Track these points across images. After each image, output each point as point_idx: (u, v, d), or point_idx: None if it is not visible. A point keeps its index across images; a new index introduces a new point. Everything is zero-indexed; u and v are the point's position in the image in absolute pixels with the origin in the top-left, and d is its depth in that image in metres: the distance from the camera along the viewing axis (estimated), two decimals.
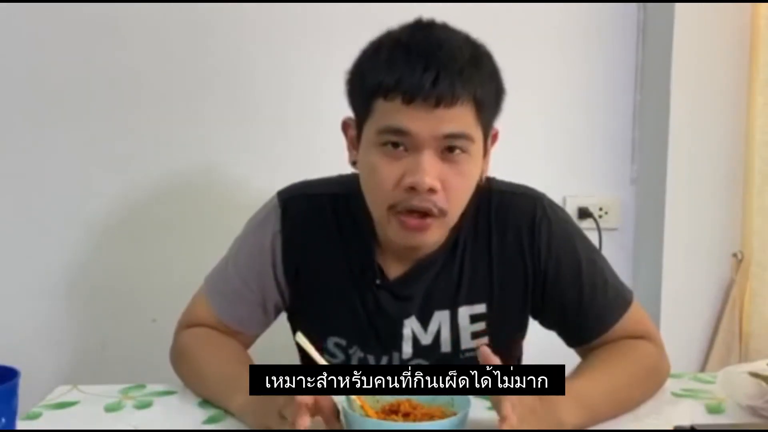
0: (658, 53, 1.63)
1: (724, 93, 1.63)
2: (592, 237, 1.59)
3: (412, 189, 0.86)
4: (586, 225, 1.65)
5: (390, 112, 0.86)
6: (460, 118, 0.86)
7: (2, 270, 1.56)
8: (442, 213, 0.89)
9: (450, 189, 0.88)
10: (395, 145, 0.87)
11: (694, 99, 1.61)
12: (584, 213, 1.67)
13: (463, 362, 1.02)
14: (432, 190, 0.86)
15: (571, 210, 1.67)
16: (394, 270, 1.00)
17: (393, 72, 0.85)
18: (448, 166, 0.87)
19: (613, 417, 0.88)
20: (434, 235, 0.92)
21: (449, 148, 0.87)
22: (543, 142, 1.68)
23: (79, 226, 1.57)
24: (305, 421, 0.73)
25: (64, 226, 1.57)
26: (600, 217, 1.68)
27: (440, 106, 0.84)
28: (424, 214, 0.88)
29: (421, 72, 0.83)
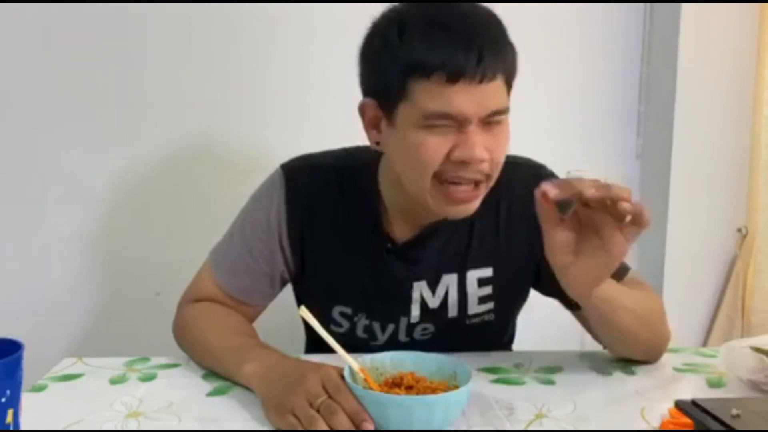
0: (666, 27, 1.61)
1: (731, 67, 1.61)
2: None
3: (463, 162, 0.88)
4: None
5: (434, 94, 0.85)
6: (498, 92, 0.88)
7: (7, 244, 1.57)
8: (487, 178, 0.92)
9: (494, 156, 0.90)
10: (441, 124, 0.88)
11: (700, 73, 1.59)
12: None
13: (469, 327, 1.04)
14: (481, 161, 0.89)
15: None
16: (401, 234, 1.02)
17: (434, 51, 0.84)
18: (490, 136, 0.89)
19: (624, 324, 0.89)
20: (477, 204, 0.94)
21: (490, 121, 0.89)
22: (548, 117, 1.66)
23: (83, 200, 1.57)
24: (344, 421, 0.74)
25: (67, 199, 1.57)
26: None
27: (483, 83, 0.85)
28: (473, 183, 0.91)
29: (465, 51, 0.84)
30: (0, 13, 1.49)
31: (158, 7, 1.52)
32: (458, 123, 0.87)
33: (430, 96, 0.85)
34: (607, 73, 1.67)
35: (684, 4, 1.56)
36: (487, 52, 0.84)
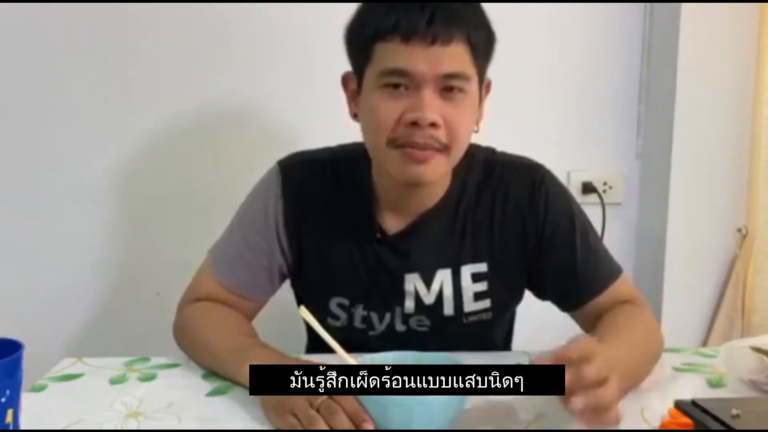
0: (666, 27, 1.61)
1: (731, 67, 1.61)
2: (596, 212, 1.60)
3: (414, 124, 0.89)
4: (590, 200, 1.64)
5: (389, 54, 0.89)
6: (456, 57, 0.89)
7: (6, 243, 1.57)
8: (445, 148, 0.92)
9: (450, 125, 0.91)
10: (396, 86, 0.90)
11: (700, 73, 1.59)
12: (588, 188, 1.67)
13: (467, 326, 1.04)
14: (433, 125, 0.90)
15: (576, 185, 1.66)
16: (393, 226, 1.03)
17: (391, 15, 0.88)
18: (448, 104, 0.91)
19: (632, 386, 0.87)
20: (436, 170, 0.94)
21: (448, 87, 0.90)
22: (548, 117, 1.67)
23: (83, 200, 1.57)
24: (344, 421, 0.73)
25: (67, 199, 1.56)
26: (604, 192, 1.67)
27: (436, 44, 0.87)
28: (429, 150, 0.91)
29: (418, 12, 0.87)
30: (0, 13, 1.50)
31: (159, 7, 1.52)
32: (414, 85, 0.89)
33: (386, 55, 0.89)
34: (607, 73, 1.67)
35: (684, 4, 1.56)
36: (440, 15, 0.87)
